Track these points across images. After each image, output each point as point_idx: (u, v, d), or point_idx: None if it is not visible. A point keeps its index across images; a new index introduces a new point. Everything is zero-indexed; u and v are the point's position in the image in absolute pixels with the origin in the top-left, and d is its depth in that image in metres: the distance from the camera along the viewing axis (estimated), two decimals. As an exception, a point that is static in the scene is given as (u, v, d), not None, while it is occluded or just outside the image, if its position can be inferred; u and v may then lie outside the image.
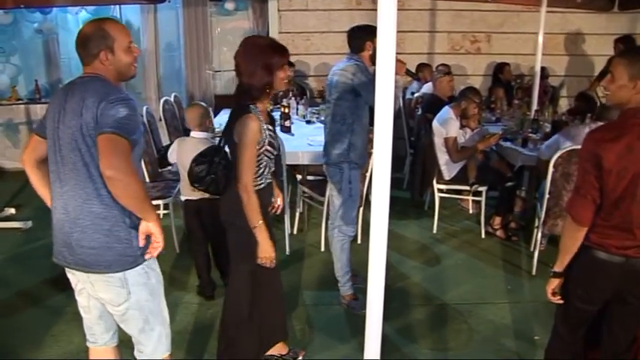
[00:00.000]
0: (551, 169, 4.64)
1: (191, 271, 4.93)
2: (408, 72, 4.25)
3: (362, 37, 4.09)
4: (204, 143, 4.35)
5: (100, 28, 2.51)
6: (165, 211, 5.52)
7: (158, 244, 2.58)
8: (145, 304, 2.66)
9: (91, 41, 2.50)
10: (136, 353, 2.83)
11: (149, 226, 2.52)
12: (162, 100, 6.94)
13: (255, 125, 3.02)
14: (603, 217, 2.61)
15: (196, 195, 4.24)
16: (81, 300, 2.75)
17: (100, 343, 2.87)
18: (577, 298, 2.81)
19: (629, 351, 2.90)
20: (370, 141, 4.09)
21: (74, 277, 2.67)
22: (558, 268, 2.79)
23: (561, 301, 2.87)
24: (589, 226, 2.63)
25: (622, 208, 2.57)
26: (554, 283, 2.84)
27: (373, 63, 3.85)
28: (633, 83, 2.53)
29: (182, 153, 4.41)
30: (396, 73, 3.10)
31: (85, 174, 2.45)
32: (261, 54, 3.06)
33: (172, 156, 4.54)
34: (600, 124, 4.71)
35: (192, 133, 4.49)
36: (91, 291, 2.63)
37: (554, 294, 2.87)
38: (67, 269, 2.66)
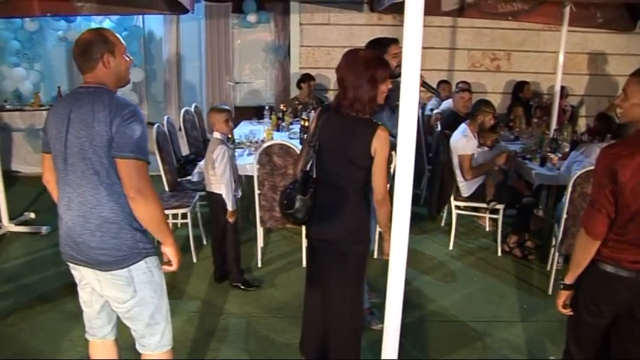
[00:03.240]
0: (569, 189, 4.64)
1: (205, 279, 4.99)
2: (426, 86, 4.25)
3: None
4: (215, 143, 4.70)
5: (100, 34, 2.63)
6: (183, 221, 5.56)
7: (171, 267, 2.82)
8: (150, 300, 2.77)
9: (93, 46, 2.58)
10: (138, 347, 2.91)
11: (165, 250, 2.78)
12: (182, 110, 7.01)
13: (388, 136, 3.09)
14: (617, 231, 2.64)
15: (212, 188, 4.82)
16: (83, 294, 2.88)
17: (98, 336, 2.97)
18: (588, 312, 2.82)
19: None
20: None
21: (79, 273, 2.79)
22: (569, 280, 2.82)
23: (571, 314, 2.89)
24: (602, 239, 2.66)
25: (636, 223, 2.60)
26: (565, 296, 2.87)
27: None
28: None
29: (233, 154, 4.91)
30: None
31: (96, 181, 2.55)
32: (368, 67, 3.07)
33: (227, 161, 4.73)
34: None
35: (218, 134, 4.79)
36: (97, 288, 2.74)
37: (564, 306, 2.89)
38: (71, 266, 2.78)
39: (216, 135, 4.74)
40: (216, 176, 4.68)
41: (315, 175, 3.19)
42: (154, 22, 9.03)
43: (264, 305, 4.70)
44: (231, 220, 4.80)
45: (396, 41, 4.06)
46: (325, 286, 3.34)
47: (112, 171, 2.54)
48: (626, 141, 2.68)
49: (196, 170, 5.49)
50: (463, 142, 5.80)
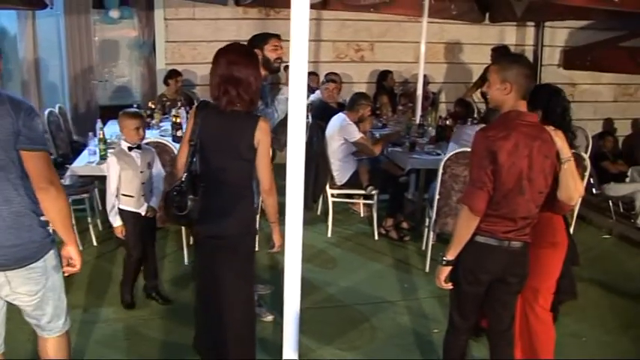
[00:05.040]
0: (440, 171, 4.91)
1: (82, 287, 4.85)
2: None
3: (250, 45, 4.15)
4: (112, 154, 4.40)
5: None
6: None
7: (75, 267, 2.79)
8: (58, 284, 2.83)
9: None
10: (43, 334, 2.90)
11: (69, 250, 2.75)
12: (46, 112, 6.69)
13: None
14: (492, 207, 2.88)
15: (143, 209, 4.38)
16: None
17: None
18: (467, 282, 3.05)
19: (511, 328, 3.20)
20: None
21: None
22: (451, 256, 3.00)
23: (451, 287, 3.09)
24: (482, 215, 2.88)
25: (509, 199, 2.87)
26: (446, 271, 3.04)
27: (265, 69, 3.94)
28: (504, 86, 2.87)
29: (132, 166, 4.32)
30: (287, 84, 3.23)
31: (3, 177, 2.52)
32: (258, 63, 3.17)
33: (112, 174, 4.29)
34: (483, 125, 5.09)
35: (123, 143, 4.37)
36: (4, 291, 2.67)
37: (445, 281, 3.08)
38: None
39: (122, 144, 4.36)
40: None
41: (199, 173, 3.18)
42: (7, 18, 8.42)
43: (150, 307, 4.60)
44: (117, 235, 4.39)
45: (277, 36, 4.10)
46: (217, 282, 3.34)
47: (18, 164, 2.53)
48: (499, 125, 2.94)
49: (68, 173, 5.27)
50: (353, 127, 5.93)
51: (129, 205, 4.35)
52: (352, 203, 6.83)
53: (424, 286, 4.97)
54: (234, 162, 3.16)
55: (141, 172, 4.34)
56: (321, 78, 8.05)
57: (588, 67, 9.11)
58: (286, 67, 3.95)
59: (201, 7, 8.47)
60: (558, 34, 9.60)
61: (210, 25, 8.49)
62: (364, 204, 6.63)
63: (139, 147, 4.35)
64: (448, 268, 3.03)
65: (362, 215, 6.80)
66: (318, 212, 6.77)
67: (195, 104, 3.43)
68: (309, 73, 8.37)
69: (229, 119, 3.14)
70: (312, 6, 7.43)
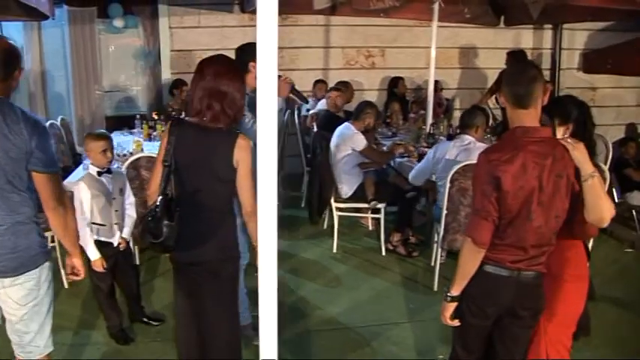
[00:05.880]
0: (448, 185, 4.66)
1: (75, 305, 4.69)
2: (295, 92, 4.10)
3: (244, 57, 3.91)
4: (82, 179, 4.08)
5: (15, 47, 2.67)
6: (51, 244, 5.15)
7: (79, 277, 3.01)
8: (47, 299, 2.85)
9: (13, 57, 2.62)
10: (24, 355, 2.88)
11: (74, 261, 2.94)
12: (47, 124, 6.55)
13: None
14: (498, 235, 2.61)
15: (116, 239, 4.14)
16: None
17: None
18: (472, 315, 2.79)
19: None
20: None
21: None
22: (456, 292, 2.75)
23: (458, 324, 2.83)
24: (488, 247, 2.61)
25: (516, 226, 2.59)
26: (452, 308, 2.79)
27: None
28: (502, 99, 2.68)
29: (103, 192, 4.06)
30: (279, 95, 3.01)
31: (10, 189, 2.58)
32: (241, 75, 3.04)
33: (83, 203, 3.96)
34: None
35: (92, 168, 4.07)
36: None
37: (450, 318, 2.83)
38: None
39: (90, 169, 4.06)
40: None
41: (175, 196, 2.98)
42: (14, 30, 8.35)
43: (140, 329, 4.43)
44: (97, 268, 4.00)
45: None
46: (199, 308, 3.17)
47: (26, 178, 2.61)
48: (504, 144, 2.66)
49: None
50: (360, 136, 5.74)
51: (100, 235, 4.06)
52: (360, 216, 6.59)
53: (431, 307, 4.69)
54: (213, 184, 2.97)
55: (113, 198, 4.09)
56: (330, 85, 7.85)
57: (609, 70, 8.85)
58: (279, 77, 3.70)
59: (207, 14, 8.34)
60: (577, 37, 9.33)
61: (215, 32, 8.32)
62: (372, 217, 6.40)
63: (109, 171, 4.09)
64: (453, 305, 2.78)
65: (370, 228, 6.58)
66: (325, 226, 6.54)
67: (169, 121, 3.22)
68: (317, 81, 8.24)
69: (206, 137, 2.95)
70: (320, 12, 7.40)
